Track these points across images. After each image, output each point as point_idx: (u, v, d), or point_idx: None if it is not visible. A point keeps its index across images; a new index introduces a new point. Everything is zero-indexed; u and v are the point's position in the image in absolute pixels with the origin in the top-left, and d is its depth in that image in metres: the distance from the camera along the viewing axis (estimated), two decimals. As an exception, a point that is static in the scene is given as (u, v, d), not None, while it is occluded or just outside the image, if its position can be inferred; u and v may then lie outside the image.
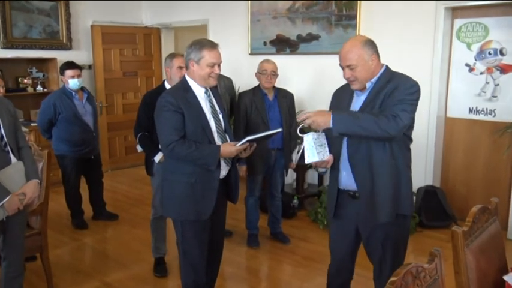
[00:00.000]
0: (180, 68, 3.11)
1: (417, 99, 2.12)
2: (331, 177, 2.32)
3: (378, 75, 2.17)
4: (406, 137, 2.19)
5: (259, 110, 3.61)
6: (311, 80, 5.01)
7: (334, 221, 2.37)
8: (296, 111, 3.88)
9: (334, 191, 2.30)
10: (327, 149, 2.15)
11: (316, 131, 2.14)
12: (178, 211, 2.47)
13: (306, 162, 2.14)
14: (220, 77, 3.54)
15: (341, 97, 2.32)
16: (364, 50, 2.12)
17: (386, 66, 2.21)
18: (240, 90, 4.14)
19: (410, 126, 2.17)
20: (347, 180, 2.22)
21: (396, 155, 2.15)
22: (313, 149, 2.09)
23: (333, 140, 2.22)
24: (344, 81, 2.26)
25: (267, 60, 3.70)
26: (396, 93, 2.08)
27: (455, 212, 4.23)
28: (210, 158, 2.36)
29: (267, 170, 3.79)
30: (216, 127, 2.46)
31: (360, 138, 2.11)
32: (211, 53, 2.38)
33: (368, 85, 2.17)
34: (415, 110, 2.13)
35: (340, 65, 2.19)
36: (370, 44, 2.15)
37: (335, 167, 2.26)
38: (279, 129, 2.66)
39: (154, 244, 3.44)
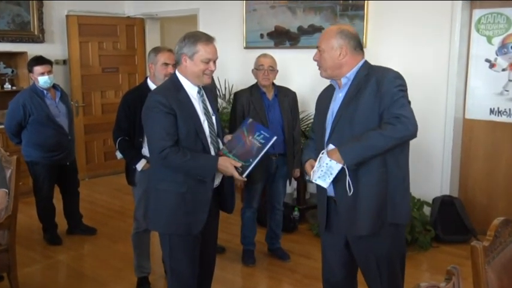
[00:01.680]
0: (166, 64, 3.09)
1: (407, 89, 2.23)
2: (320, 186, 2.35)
3: (354, 70, 2.26)
4: None
5: (258, 111, 3.61)
6: (313, 76, 4.98)
7: (325, 231, 2.43)
8: (299, 111, 3.88)
9: (324, 199, 2.36)
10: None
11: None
12: (167, 224, 2.46)
13: (312, 179, 2.22)
14: None
15: (324, 97, 2.46)
16: (336, 38, 2.26)
17: (365, 61, 2.31)
18: (235, 89, 4.14)
19: None
20: (331, 186, 2.28)
21: (388, 161, 2.22)
22: (331, 177, 2.18)
23: (318, 144, 2.36)
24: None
25: (264, 55, 3.72)
26: (383, 88, 2.16)
27: (475, 225, 4.25)
28: (206, 171, 2.38)
29: (267, 179, 3.78)
30: (210, 131, 2.47)
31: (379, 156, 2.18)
32: (206, 48, 2.38)
33: (344, 81, 2.29)
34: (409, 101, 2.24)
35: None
36: (346, 35, 2.26)
37: None
38: (274, 137, 2.53)
39: (137, 262, 3.42)
